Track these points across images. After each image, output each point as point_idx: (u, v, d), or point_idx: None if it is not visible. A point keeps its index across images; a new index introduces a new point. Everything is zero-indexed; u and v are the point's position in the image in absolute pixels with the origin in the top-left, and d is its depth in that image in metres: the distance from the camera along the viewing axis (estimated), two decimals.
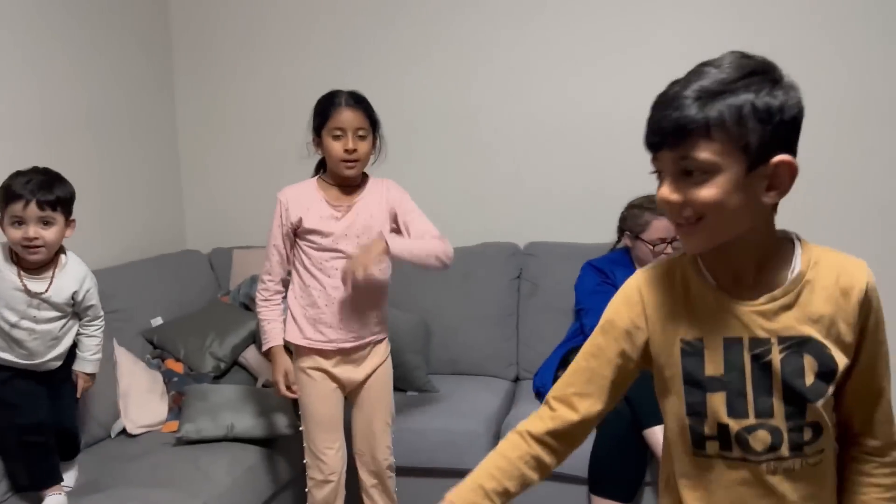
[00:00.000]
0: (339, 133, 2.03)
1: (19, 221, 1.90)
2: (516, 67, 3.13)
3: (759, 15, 2.90)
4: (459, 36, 3.17)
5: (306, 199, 2.09)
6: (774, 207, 1.04)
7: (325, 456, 2.12)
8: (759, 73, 0.97)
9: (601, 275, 2.60)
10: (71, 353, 2.12)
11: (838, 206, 2.90)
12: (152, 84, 3.33)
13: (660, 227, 2.48)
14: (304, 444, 2.16)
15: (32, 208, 1.89)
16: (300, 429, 2.18)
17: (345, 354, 2.13)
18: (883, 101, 2.86)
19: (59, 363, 2.08)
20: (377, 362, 2.19)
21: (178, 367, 2.67)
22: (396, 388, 2.78)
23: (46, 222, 1.92)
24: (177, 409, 2.49)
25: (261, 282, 2.16)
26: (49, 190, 1.92)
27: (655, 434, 2.18)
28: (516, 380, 3.01)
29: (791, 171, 0.98)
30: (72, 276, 2.03)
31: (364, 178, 2.15)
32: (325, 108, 2.05)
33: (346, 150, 2.03)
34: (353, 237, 2.06)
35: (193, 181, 3.52)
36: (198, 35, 3.42)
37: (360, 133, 2.04)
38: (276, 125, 3.32)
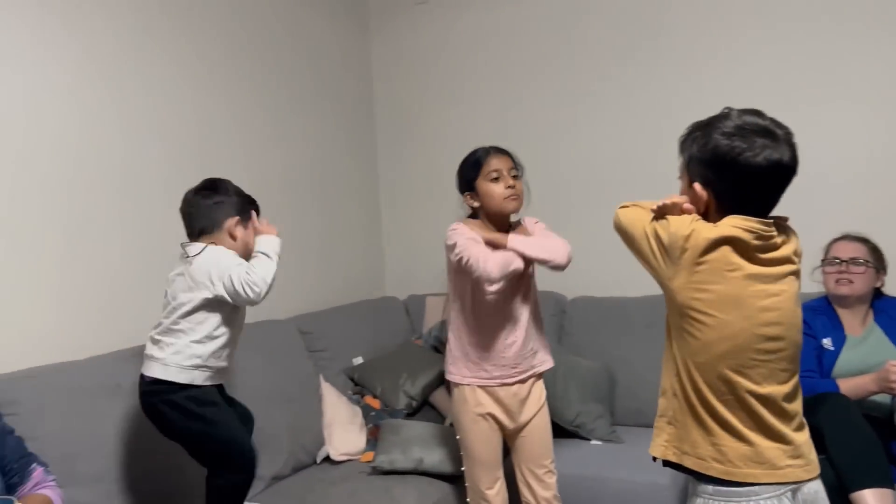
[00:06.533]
0: (496, 175, 2.14)
1: None
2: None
3: None
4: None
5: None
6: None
7: (488, 495, 2.19)
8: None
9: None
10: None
11: None
12: (358, 148, 3.71)
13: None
14: (467, 485, 2.24)
15: None
16: (462, 469, 2.26)
17: (506, 389, 2.19)
18: None
19: None
20: (534, 409, 2.23)
21: (376, 403, 2.89)
22: (580, 437, 2.81)
23: None
24: (373, 440, 2.70)
25: (479, 263, 2.05)
26: None
27: (864, 498, 2.02)
28: None
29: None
30: None
31: (517, 223, 2.25)
32: (477, 161, 2.18)
33: (508, 187, 2.14)
34: (516, 277, 2.13)
35: (393, 235, 3.84)
36: (397, 102, 3.78)
37: (513, 174, 2.17)
38: None
